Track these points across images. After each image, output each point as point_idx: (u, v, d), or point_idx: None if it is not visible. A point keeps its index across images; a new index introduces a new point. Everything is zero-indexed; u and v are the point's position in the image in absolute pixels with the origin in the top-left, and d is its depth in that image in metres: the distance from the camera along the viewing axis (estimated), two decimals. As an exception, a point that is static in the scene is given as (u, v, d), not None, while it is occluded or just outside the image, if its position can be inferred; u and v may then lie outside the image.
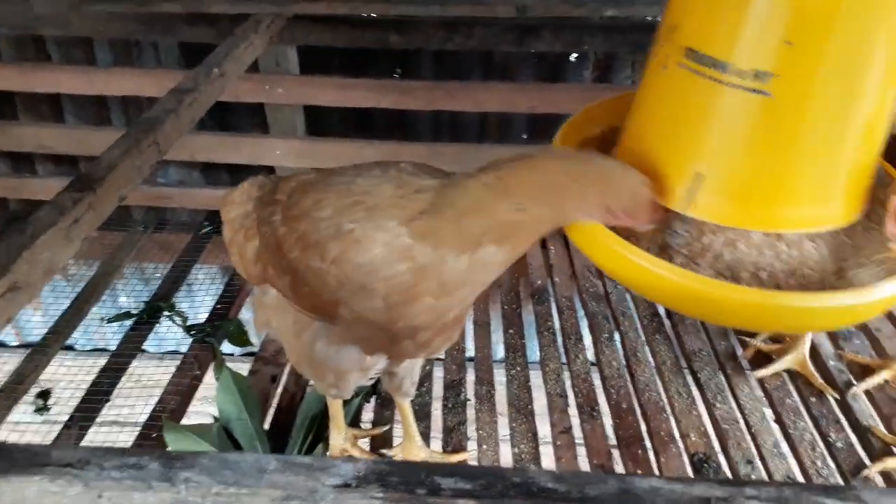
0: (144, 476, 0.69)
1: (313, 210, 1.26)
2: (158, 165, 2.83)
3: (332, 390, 1.51)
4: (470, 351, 2.18)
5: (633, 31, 2.49)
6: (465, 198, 1.17)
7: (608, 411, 1.92)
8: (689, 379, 2.01)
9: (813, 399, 1.87)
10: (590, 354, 2.14)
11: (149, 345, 3.16)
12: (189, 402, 2.10)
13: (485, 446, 1.79)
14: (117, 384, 2.27)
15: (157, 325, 2.49)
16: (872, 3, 1.18)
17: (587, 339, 2.20)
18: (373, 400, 1.94)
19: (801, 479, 1.71)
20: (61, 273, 3.34)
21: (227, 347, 2.42)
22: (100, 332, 3.50)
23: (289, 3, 2.41)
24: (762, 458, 1.73)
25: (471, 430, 1.85)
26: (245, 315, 2.61)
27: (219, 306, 2.50)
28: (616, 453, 1.80)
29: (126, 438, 2.35)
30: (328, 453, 1.69)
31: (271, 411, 1.93)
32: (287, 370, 2.04)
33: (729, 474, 1.72)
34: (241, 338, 2.34)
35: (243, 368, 1.96)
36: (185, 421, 1.99)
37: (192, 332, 2.32)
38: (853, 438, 1.77)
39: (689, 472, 1.72)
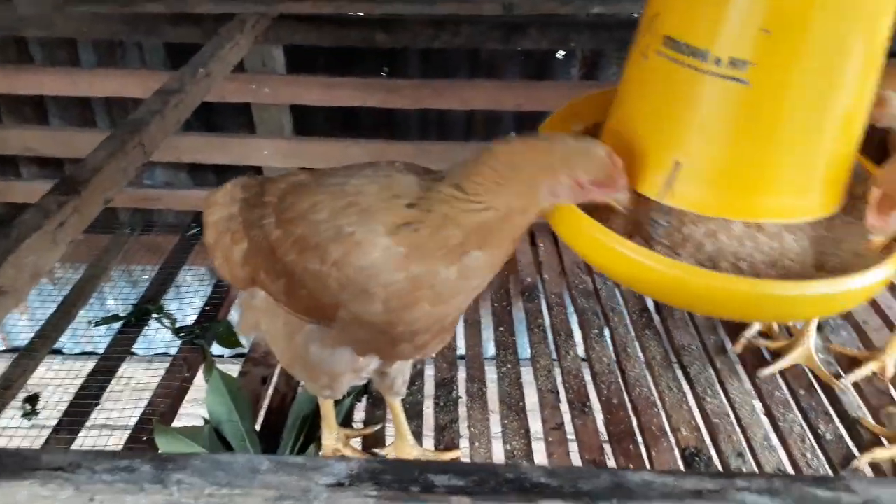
0: (136, 478, 0.69)
1: (310, 213, 1.25)
2: (144, 167, 2.81)
3: (325, 391, 1.50)
4: (461, 349, 2.18)
5: (620, 28, 2.50)
6: (437, 207, 1.17)
7: (599, 407, 1.93)
8: (679, 373, 2.03)
9: (802, 392, 1.89)
10: (580, 350, 2.15)
11: (137, 348, 3.14)
12: (179, 405, 2.08)
13: (477, 444, 1.79)
14: (106, 388, 2.25)
15: (146, 327, 2.47)
16: None
17: (577, 336, 2.21)
18: (364, 399, 1.94)
19: (791, 471, 1.73)
20: (47, 276, 3.31)
21: (216, 349, 2.41)
22: (87, 335, 3.47)
23: (274, 3, 2.40)
24: (752, 451, 1.75)
25: (463, 427, 1.85)
26: (234, 317, 2.60)
27: (207, 308, 2.49)
28: (608, 448, 1.81)
29: (116, 442, 2.33)
30: (320, 453, 1.69)
31: (262, 412, 1.92)
32: (277, 371, 2.04)
33: (720, 467, 1.73)
34: (230, 339, 2.33)
35: (233, 370, 1.95)
36: (175, 423, 1.98)
37: (181, 335, 2.31)
38: (842, 430, 1.79)
39: (681, 465, 1.73)
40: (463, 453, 1.77)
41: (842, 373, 1.92)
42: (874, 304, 2.14)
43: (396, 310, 1.22)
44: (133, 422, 2.02)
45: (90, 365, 2.35)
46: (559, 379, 2.03)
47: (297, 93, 2.77)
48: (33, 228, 1.09)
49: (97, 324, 2.54)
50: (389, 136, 2.95)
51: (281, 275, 1.31)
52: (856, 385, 1.89)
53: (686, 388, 1.98)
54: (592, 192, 1.21)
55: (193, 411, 2.29)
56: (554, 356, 2.13)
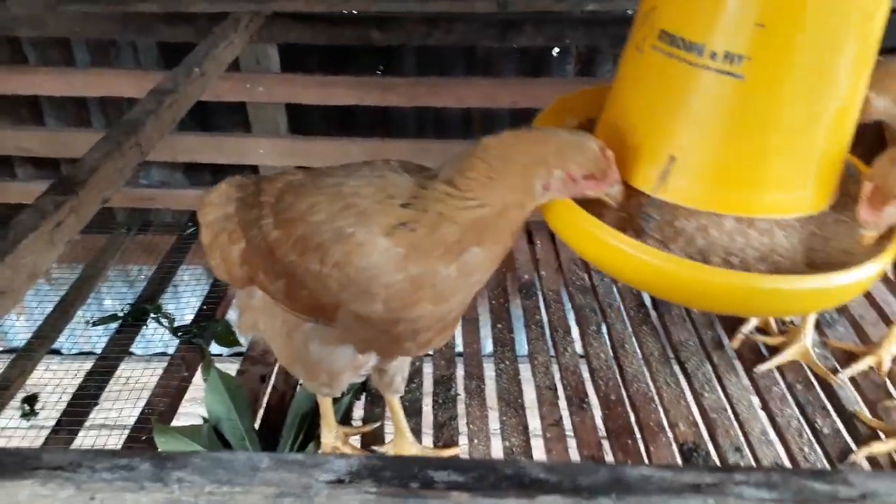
0: (136, 477, 0.69)
1: (308, 214, 1.25)
2: (141, 167, 2.80)
3: (324, 389, 1.51)
4: (459, 346, 2.18)
5: (615, 24, 2.50)
6: (432, 206, 1.17)
7: (597, 403, 1.94)
8: (677, 369, 2.03)
9: (799, 386, 1.90)
10: (578, 347, 2.15)
11: (136, 347, 3.14)
12: (178, 404, 2.08)
13: (476, 441, 1.79)
14: (105, 388, 2.24)
15: (144, 327, 2.47)
16: None
17: (575, 332, 2.21)
18: (363, 397, 1.94)
19: (788, 465, 1.73)
20: (44, 277, 3.31)
21: (214, 348, 2.41)
22: (85, 335, 3.46)
23: (267, 1, 2.40)
24: (750, 446, 1.75)
25: (461, 424, 1.86)
26: (232, 316, 2.60)
27: (205, 307, 2.48)
28: (606, 444, 1.82)
29: (115, 442, 2.33)
30: (319, 451, 1.69)
31: (261, 411, 1.92)
32: (276, 369, 2.04)
33: (718, 462, 1.74)
34: (228, 338, 2.33)
35: (231, 369, 1.95)
36: (174, 423, 1.98)
37: (179, 334, 2.30)
38: (839, 424, 1.79)
39: (679, 460, 1.74)
40: (462, 450, 1.77)
41: (839, 367, 1.93)
42: (871, 299, 2.15)
43: (398, 310, 1.22)
44: (132, 421, 2.02)
45: (88, 365, 2.34)
46: (557, 375, 2.04)
47: (292, 91, 2.77)
48: (30, 229, 1.08)
49: (95, 323, 2.53)
50: (386, 134, 2.94)
51: (280, 275, 1.31)
52: (853, 379, 1.90)
53: (684, 383, 1.98)
54: (584, 185, 1.22)
55: (192, 410, 2.28)
56: (552, 353, 2.14)
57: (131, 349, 2.50)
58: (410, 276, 1.18)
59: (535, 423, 1.87)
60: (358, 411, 1.93)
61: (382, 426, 1.84)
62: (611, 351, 2.11)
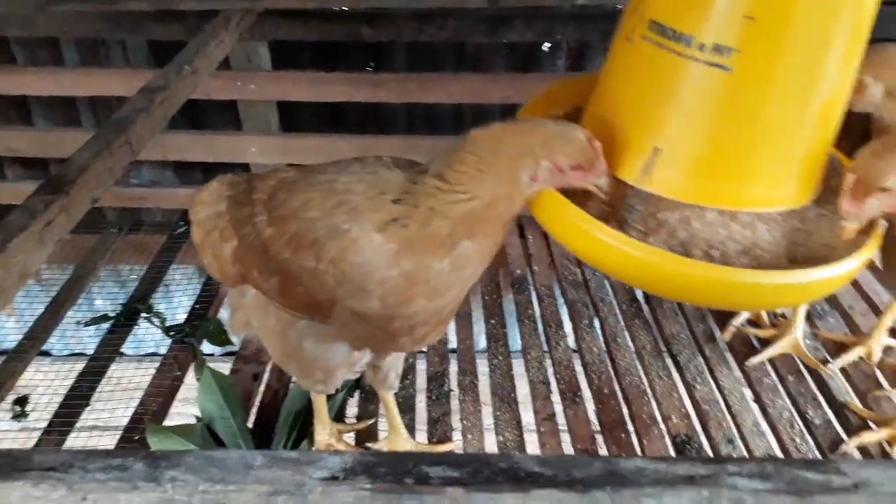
0: (129, 477, 0.69)
1: (302, 210, 1.24)
2: (131, 166, 2.79)
3: (318, 386, 1.51)
4: (452, 343, 2.19)
5: (605, 19, 2.50)
6: (423, 201, 1.17)
7: (590, 396, 1.94)
8: (669, 362, 2.04)
9: (790, 378, 1.91)
10: (571, 341, 2.16)
11: (127, 348, 3.12)
12: (170, 404, 2.08)
13: (470, 436, 1.80)
14: (96, 389, 2.23)
15: (136, 327, 2.46)
16: None
17: (568, 327, 2.22)
18: (356, 394, 1.94)
19: (780, 456, 1.75)
20: (34, 277, 3.29)
21: (206, 348, 2.40)
22: (76, 336, 3.45)
23: (258, -2, 2.39)
24: (742, 437, 1.76)
25: (455, 420, 1.86)
26: (224, 315, 2.59)
27: (197, 306, 2.47)
28: (599, 438, 1.82)
29: (107, 443, 2.32)
30: (313, 448, 1.69)
31: (254, 409, 1.92)
32: (269, 368, 2.03)
33: (710, 454, 1.75)
34: (220, 337, 2.32)
35: (224, 369, 1.94)
36: (166, 423, 1.97)
37: (171, 333, 2.30)
38: (830, 415, 1.81)
39: (672, 453, 1.74)
40: (456, 446, 1.78)
41: (829, 358, 1.94)
42: (860, 290, 2.17)
43: (393, 306, 1.22)
44: (124, 422, 2.01)
45: (79, 366, 2.33)
46: (550, 370, 2.04)
47: (283, 89, 2.76)
48: (20, 229, 1.08)
49: (87, 324, 2.52)
50: (377, 130, 2.94)
51: (274, 272, 1.31)
52: (843, 370, 1.91)
53: (676, 376, 1.99)
54: (572, 176, 1.22)
55: (185, 410, 2.28)
56: (545, 347, 2.14)
57: (123, 350, 2.49)
58: (404, 272, 1.18)
59: (528, 417, 1.87)
60: (352, 409, 1.93)
61: (376, 423, 1.84)
62: (603, 345, 2.12)
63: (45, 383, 2.93)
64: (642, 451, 1.76)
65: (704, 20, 1.22)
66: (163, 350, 2.35)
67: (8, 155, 3.04)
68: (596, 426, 1.86)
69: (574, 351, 2.11)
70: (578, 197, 1.31)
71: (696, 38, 1.23)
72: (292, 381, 1.94)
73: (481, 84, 2.70)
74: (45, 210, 1.12)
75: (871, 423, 1.74)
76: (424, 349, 2.12)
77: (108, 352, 2.36)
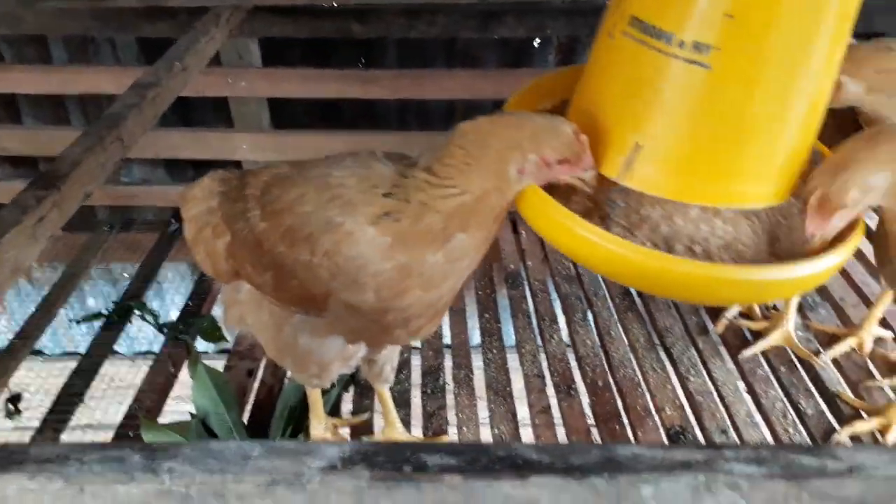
0: (127, 468, 0.68)
1: (297, 204, 1.25)
2: (122, 164, 2.77)
3: (313, 380, 1.51)
4: (447, 338, 2.19)
5: (595, 14, 2.46)
6: (414, 195, 1.17)
7: (585, 389, 1.95)
8: (663, 354, 2.05)
9: (783, 369, 1.92)
10: (564, 335, 2.16)
11: (120, 346, 3.12)
12: (164, 401, 2.07)
13: (465, 429, 1.80)
14: (89, 387, 2.22)
15: (129, 324, 2.45)
16: None
17: (561, 320, 2.23)
18: (351, 389, 1.94)
19: (774, 446, 1.76)
20: (27, 276, 3.27)
21: (200, 345, 2.39)
22: (68, 335, 3.44)
23: (248, -5, 2.38)
24: (736, 428, 1.77)
25: (450, 414, 1.86)
26: (218, 312, 2.59)
27: (190, 303, 2.47)
28: (595, 431, 1.83)
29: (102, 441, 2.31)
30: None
31: (249, 405, 1.91)
32: (263, 363, 2.03)
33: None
34: (214, 334, 2.31)
35: (218, 366, 1.94)
36: (160, 420, 1.97)
37: (165, 331, 2.29)
38: (822, 405, 1.82)
39: (666, 444, 1.75)
40: (451, 439, 1.78)
41: (821, 349, 1.95)
42: (851, 281, 2.18)
43: (388, 298, 1.22)
44: (118, 421, 2.00)
45: (72, 365, 2.32)
46: (545, 364, 2.05)
47: (274, 86, 2.76)
48: (12, 224, 1.07)
49: (80, 321, 2.51)
50: (369, 127, 2.94)
51: (269, 267, 1.31)
52: (835, 361, 1.92)
53: (669, 368, 2.00)
54: (559, 170, 1.22)
55: (179, 408, 2.27)
56: (539, 341, 2.15)
57: (116, 348, 2.48)
58: (399, 265, 1.18)
59: (523, 411, 1.88)
60: (346, 405, 1.93)
61: (372, 417, 1.84)
62: (597, 338, 2.13)
63: (38, 382, 2.93)
64: (637, 442, 1.77)
65: (684, 17, 1.23)
66: (156, 348, 2.34)
67: (-3, 154, 3.02)
68: (591, 419, 1.87)
69: (567, 345, 2.12)
70: (562, 191, 1.31)
71: (677, 35, 1.23)
72: (287, 376, 1.93)
73: (473, 80, 2.71)
74: (38, 206, 1.12)
75: (862, 413, 1.76)
76: (419, 344, 2.12)
77: (100, 350, 2.34)
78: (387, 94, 2.73)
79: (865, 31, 1.65)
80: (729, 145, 1.28)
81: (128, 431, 1.90)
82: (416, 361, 2.05)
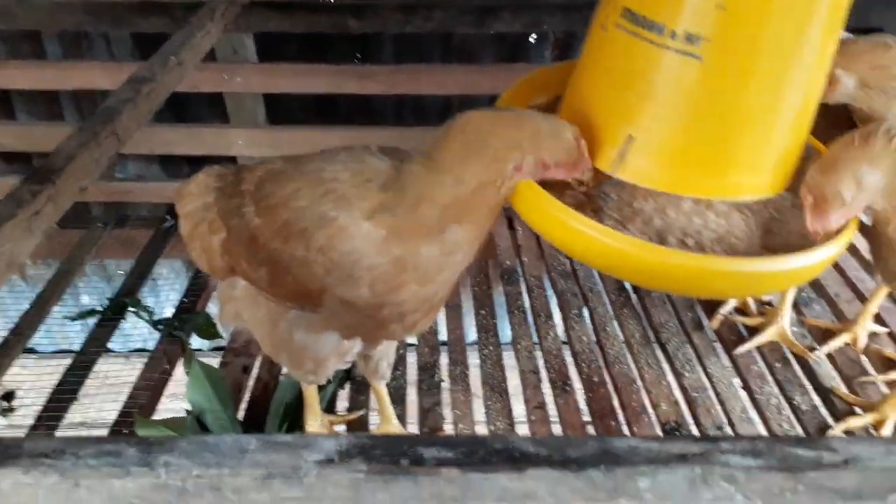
0: (122, 462, 0.68)
1: (291, 199, 1.24)
2: (117, 160, 2.76)
3: (309, 376, 1.50)
4: (443, 335, 2.19)
5: (591, 9, 2.48)
6: (410, 187, 1.17)
7: (580, 386, 1.95)
8: (658, 351, 2.05)
9: (778, 365, 1.92)
10: (560, 331, 2.17)
11: (114, 344, 3.10)
12: (159, 398, 2.06)
13: (461, 425, 1.80)
14: (83, 385, 2.21)
15: (123, 321, 2.43)
16: None
17: (557, 317, 2.23)
18: (347, 386, 1.94)
19: (769, 441, 1.76)
20: (20, 272, 3.26)
21: (195, 343, 2.39)
22: (62, 333, 3.42)
23: (243, -11, 2.38)
24: (731, 424, 1.78)
25: (446, 411, 1.86)
26: (213, 308, 2.58)
27: (185, 300, 2.46)
28: (590, 427, 1.83)
29: (96, 438, 2.30)
30: (305, 439, 1.68)
31: (245, 402, 1.91)
32: (259, 360, 2.03)
33: (700, 440, 1.76)
34: (209, 331, 2.30)
35: (213, 363, 1.93)
36: (155, 419, 1.96)
37: (160, 327, 2.28)
38: (817, 401, 1.82)
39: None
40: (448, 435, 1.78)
41: (816, 345, 1.96)
42: (845, 277, 2.19)
43: (383, 293, 1.22)
44: (112, 418, 1.99)
45: (66, 363, 2.31)
46: (541, 361, 2.05)
47: (269, 81, 2.75)
48: (7, 218, 1.07)
49: (73, 318, 2.49)
50: (365, 122, 2.94)
51: (264, 263, 1.30)
52: (829, 356, 1.93)
53: (665, 364, 2.00)
54: (555, 171, 1.23)
55: (173, 406, 2.26)
56: (535, 338, 2.15)
57: (110, 346, 2.47)
58: (394, 258, 1.18)
59: (519, 407, 1.88)
60: (342, 403, 1.92)
61: (367, 414, 1.84)
62: (593, 334, 2.13)
63: (31, 380, 2.91)
64: (633, 438, 1.77)
65: (676, 8, 1.23)
66: (150, 346, 2.33)
67: (-9, 150, 3.00)
68: (586, 415, 1.87)
69: (564, 342, 2.12)
70: (556, 185, 1.31)
71: (668, 27, 1.23)
72: (282, 372, 1.93)
73: (469, 75, 2.71)
74: (33, 199, 1.11)
75: (857, 409, 1.76)
76: (415, 341, 2.12)
77: (95, 347, 2.33)
78: (383, 90, 2.72)
79: (861, 27, 1.65)
80: (722, 136, 1.29)
81: (122, 429, 1.89)
82: (411, 359, 2.05)
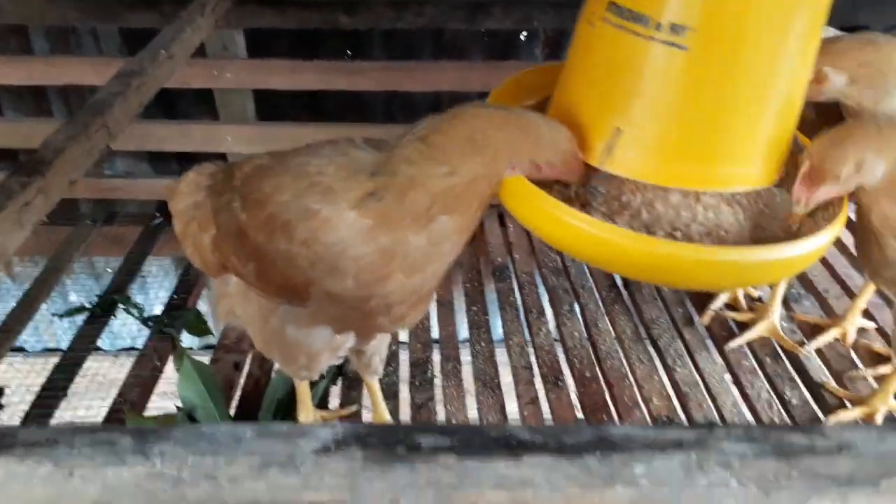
0: (117, 451, 0.68)
1: (274, 194, 1.24)
2: (106, 157, 2.74)
3: (302, 372, 1.50)
4: (434, 331, 2.19)
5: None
6: (402, 171, 1.17)
7: (572, 381, 1.95)
8: (649, 346, 2.06)
9: (768, 360, 1.94)
10: (552, 327, 2.17)
11: (102, 342, 3.08)
12: (149, 395, 2.05)
13: (454, 421, 1.80)
14: (72, 382, 2.19)
15: (113, 318, 2.41)
16: None
17: (549, 313, 2.23)
18: (339, 382, 1.93)
19: (760, 435, 1.77)
20: (7, 270, 3.23)
21: (185, 341, 2.37)
22: (50, 331, 3.40)
23: (234, -15, 2.36)
24: (722, 418, 1.79)
25: (439, 408, 1.86)
26: (203, 306, 2.57)
27: (175, 297, 2.44)
28: (583, 422, 1.83)
29: (85, 436, 2.28)
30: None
31: (236, 398, 1.90)
32: (250, 356, 2.02)
33: (691, 434, 1.76)
34: (200, 327, 2.29)
35: (204, 361, 1.92)
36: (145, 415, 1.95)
37: (150, 324, 2.26)
38: (807, 395, 1.83)
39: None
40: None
41: (805, 340, 1.97)
42: (834, 274, 2.20)
43: (369, 284, 1.22)
44: (101, 417, 1.98)
45: (54, 361, 2.29)
46: (532, 356, 2.05)
47: (259, 77, 2.74)
48: (-4, 210, 1.06)
49: (62, 315, 2.47)
50: (355, 119, 2.93)
51: (251, 258, 1.30)
52: (819, 351, 1.94)
53: (656, 359, 2.01)
54: (548, 174, 1.26)
55: (163, 405, 2.25)
56: (527, 335, 2.15)
57: (99, 345, 2.45)
58: (380, 248, 1.18)
59: (511, 403, 1.88)
60: (334, 401, 1.92)
61: (360, 410, 1.84)
62: (584, 330, 2.13)
63: (18, 379, 2.89)
64: (624, 432, 1.78)
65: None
66: (139, 344, 2.32)
67: (-23, 147, 2.97)
68: (578, 410, 1.87)
69: (556, 340, 2.12)
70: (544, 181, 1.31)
71: (653, 18, 1.23)
72: (275, 369, 1.92)
73: (460, 72, 2.70)
74: (23, 191, 1.10)
75: (847, 402, 1.78)
76: (406, 338, 2.12)
77: (83, 345, 2.31)
78: (373, 86, 2.72)
79: (849, 25, 1.67)
80: (709, 127, 1.29)
81: (113, 425, 1.88)
82: (403, 356, 2.05)
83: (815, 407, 1.80)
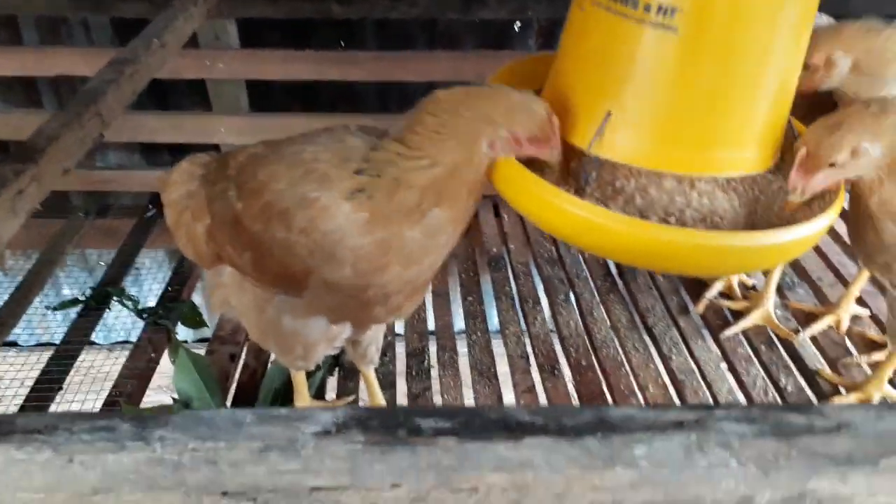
0: (117, 437, 0.68)
1: (272, 182, 1.23)
2: (99, 148, 2.72)
3: (298, 362, 1.49)
4: (431, 322, 2.18)
5: (576, -4, 2.50)
6: (385, 173, 1.16)
7: (569, 370, 1.96)
8: (645, 335, 2.06)
9: (763, 347, 1.94)
10: (547, 316, 2.17)
11: (96, 336, 3.06)
12: (145, 389, 2.04)
13: (450, 410, 1.80)
14: (66, 376, 2.18)
15: (107, 311, 2.40)
16: None
17: (544, 302, 2.23)
18: (336, 372, 1.93)
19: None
20: (-1, 262, 3.21)
21: (180, 335, 2.36)
22: (43, 325, 3.37)
23: (226, -26, 2.35)
24: (718, 405, 1.79)
25: (436, 398, 1.86)
26: (198, 298, 2.56)
27: (169, 289, 2.43)
28: (578, 410, 1.84)
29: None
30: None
31: (232, 390, 1.89)
32: (246, 348, 2.01)
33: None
34: (195, 319, 2.28)
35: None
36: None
37: (145, 316, 2.25)
38: (802, 382, 1.84)
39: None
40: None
41: (800, 328, 1.98)
42: (828, 262, 2.21)
43: (366, 273, 1.21)
44: (97, 409, 1.97)
45: (48, 355, 2.28)
46: (528, 345, 2.05)
47: (252, 67, 2.72)
48: (-10, 198, 1.05)
49: (55, 308, 2.45)
50: (349, 109, 2.91)
51: (247, 247, 1.29)
52: (813, 339, 1.95)
53: (652, 348, 2.02)
54: (528, 148, 1.23)
55: (158, 399, 2.24)
56: (523, 324, 2.15)
57: (93, 338, 2.43)
58: (377, 240, 1.17)
59: (508, 392, 1.88)
60: (331, 393, 1.92)
61: (356, 400, 1.84)
62: (580, 319, 2.14)
63: (11, 374, 2.86)
64: (620, 420, 1.78)
65: None
66: (133, 337, 2.30)
67: (-33, 138, 2.95)
68: (575, 398, 1.88)
69: (552, 330, 2.13)
70: (536, 165, 1.31)
71: (642, 0, 1.23)
72: (271, 359, 1.92)
73: (454, 62, 2.69)
74: (16, 179, 1.10)
75: (841, 389, 1.79)
76: (402, 330, 2.12)
77: (77, 338, 2.30)
78: (367, 76, 2.70)
79: (840, 13, 1.67)
80: (700, 110, 1.29)
81: (112, 412, 1.87)
82: (400, 347, 2.05)
83: (811, 393, 1.81)
